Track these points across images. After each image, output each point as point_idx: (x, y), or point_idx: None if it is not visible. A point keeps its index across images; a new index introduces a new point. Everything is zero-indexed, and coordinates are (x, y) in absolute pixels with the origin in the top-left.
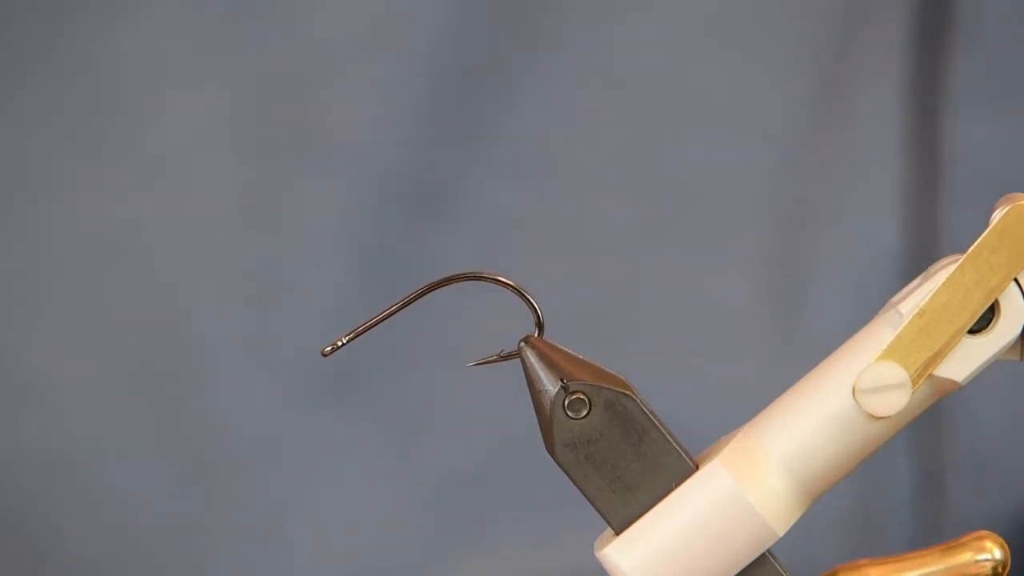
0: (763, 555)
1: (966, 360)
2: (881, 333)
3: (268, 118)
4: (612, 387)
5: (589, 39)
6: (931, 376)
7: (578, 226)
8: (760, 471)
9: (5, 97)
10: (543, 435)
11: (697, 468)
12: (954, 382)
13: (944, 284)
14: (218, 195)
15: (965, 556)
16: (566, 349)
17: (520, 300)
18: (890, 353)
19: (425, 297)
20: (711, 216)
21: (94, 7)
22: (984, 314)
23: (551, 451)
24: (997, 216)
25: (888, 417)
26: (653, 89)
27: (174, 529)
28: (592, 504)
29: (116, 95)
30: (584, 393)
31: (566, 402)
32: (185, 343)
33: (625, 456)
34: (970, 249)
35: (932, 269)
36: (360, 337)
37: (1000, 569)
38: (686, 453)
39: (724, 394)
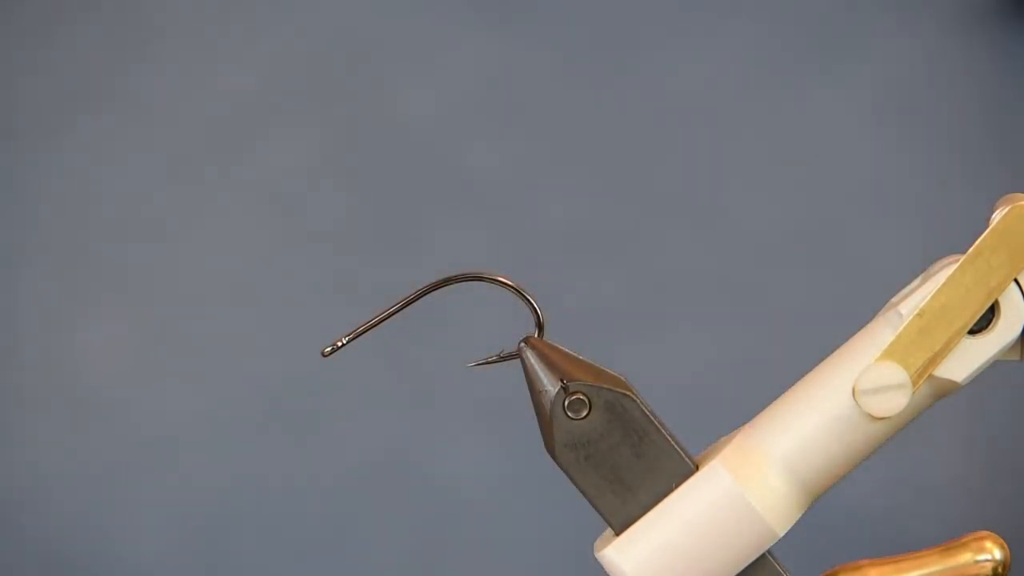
0: (763, 555)
1: (966, 360)
2: (881, 333)
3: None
4: (612, 387)
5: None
6: (931, 376)
7: (578, 226)
8: (760, 471)
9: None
10: (543, 436)
11: (697, 468)
12: (954, 382)
13: (944, 284)
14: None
15: (965, 556)
16: (566, 349)
17: (520, 300)
18: (890, 353)
19: (425, 297)
20: (710, 216)
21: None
22: (984, 314)
23: (551, 452)
24: (997, 216)
25: (888, 418)
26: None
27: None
28: (592, 505)
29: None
30: (584, 394)
31: (566, 403)
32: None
33: (625, 456)
34: (970, 249)
35: (932, 269)
36: (360, 337)
37: (1000, 569)
38: (686, 453)
39: (724, 394)
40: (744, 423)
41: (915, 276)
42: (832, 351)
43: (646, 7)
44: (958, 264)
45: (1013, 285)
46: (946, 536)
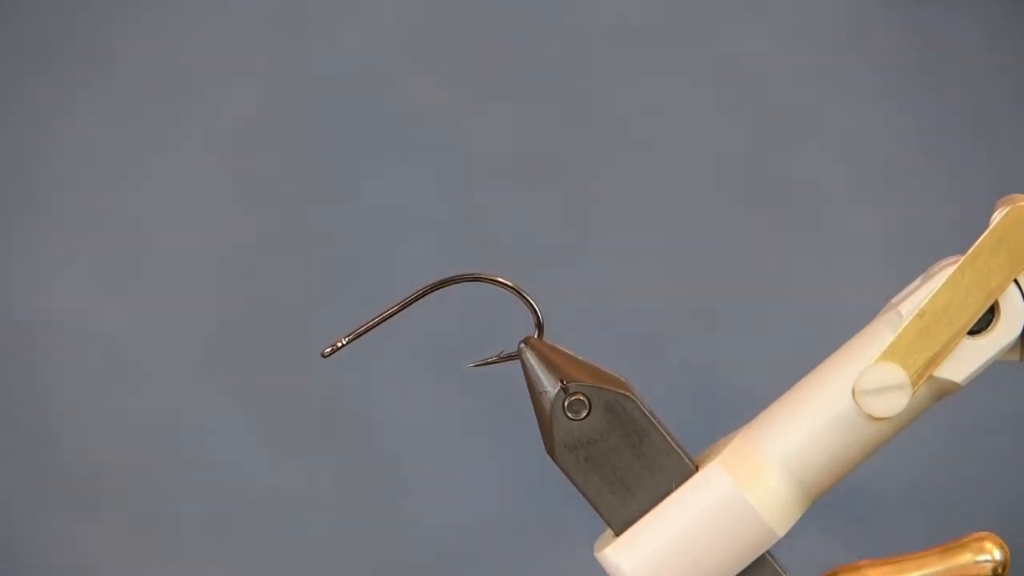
0: (763, 556)
1: (966, 361)
2: (881, 334)
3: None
4: (612, 388)
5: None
6: (931, 377)
7: (579, 226)
8: (760, 472)
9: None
10: (543, 436)
11: (697, 469)
12: (954, 383)
13: (944, 285)
14: None
15: (965, 557)
16: (566, 350)
17: (520, 301)
18: (890, 354)
19: (425, 298)
20: (709, 216)
21: None
22: (984, 315)
23: (551, 452)
24: (997, 217)
25: (888, 418)
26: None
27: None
28: (592, 505)
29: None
30: (584, 394)
31: (566, 403)
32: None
33: (625, 457)
34: (970, 250)
35: (932, 270)
36: (360, 338)
37: (1000, 570)
38: (686, 454)
39: (724, 394)
40: (743, 424)
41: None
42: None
43: None
44: (958, 264)
45: (1013, 286)
46: (945, 537)
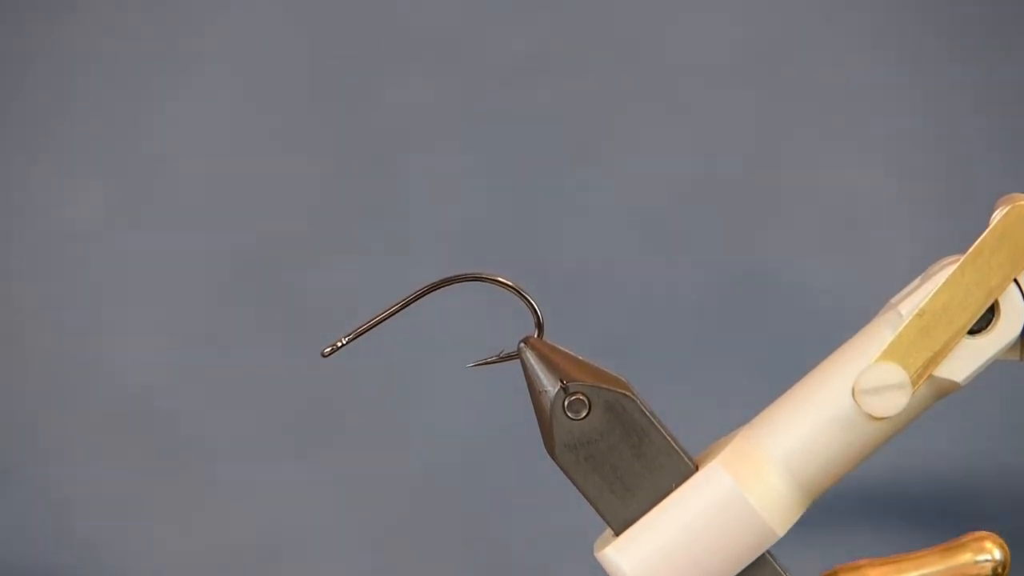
0: (763, 555)
1: (966, 360)
2: (881, 334)
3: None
4: (612, 388)
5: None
6: (931, 376)
7: (579, 227)
8: (760, 472)
9: None
10: (543, 436)
11: (697, 469)
12: (954, 382)
13: (944, 285)
14: None
15: (965, 556)
16: (566, 350)
17: (520, 301)
18: (890, 354)
19: (425, 297)
20: (708, 216)
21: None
22: (984, 314)
23: (551, 452)
24: (997, 216)
25: (888, 418)
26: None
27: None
28: (592, 505)
29: None
30: (584, 394)
31: (566, 403)
32: None
33: (625, 457)
34: (970, 249)
35: (932, 269)
36: (360, 338)
37: (1000, 570)
38: (686, 454)
39: (724, 394)
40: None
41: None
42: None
43: None
44: (958, 264)
45: (1013, 285)
46: (945, 537)
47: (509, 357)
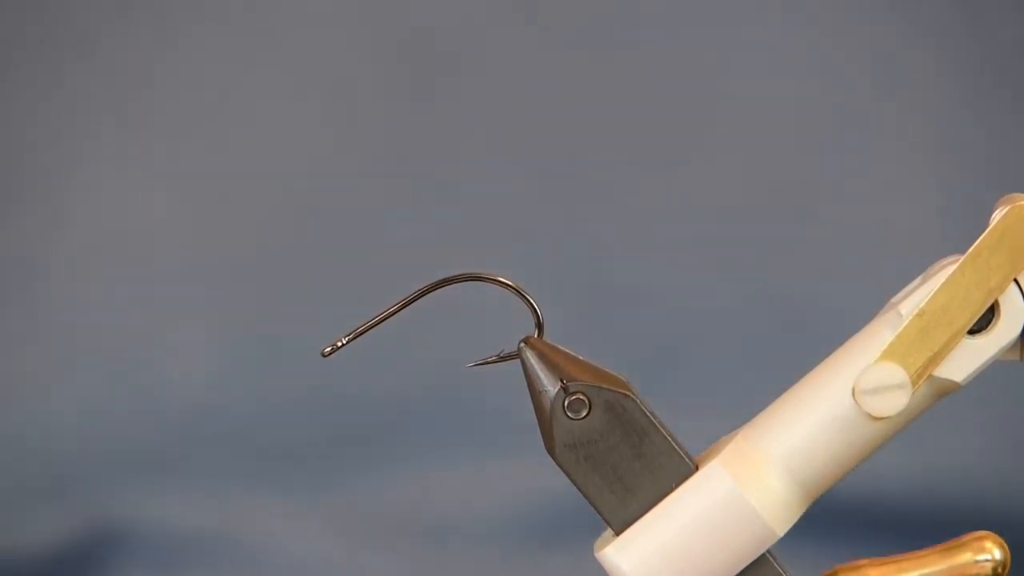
0: (763, 555)
1: (966, 360)
2: (881, 334)
3: None
4: (612, 388)
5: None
6: (931, 376)
7: (579, 227)
8: (760, 472)
9: None
10: (543, 436)
11: (697, 469)
12: (954, 382)
13: (944, 285)
14: None
15: (965, 556)
16: (566, 350)
17: (520, 300)
18: (890, 354)
19: (425, 297)
20: (708, 216)
21: None
22: (984, 315)
23: (551, 452)
24: (997, 217)
25: (888, 417)
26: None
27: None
28: (592, 505)
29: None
30: (584, 394)
31: (566, 403)
32: None
33: (625, 457)
34: (970, 250)
35: (932, 270)
36: (360, 338)
37: (1000, 569)
38: (686, 454)
39: (724, 394)
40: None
41: (917, 275)
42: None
43: None
44: (958, 264)
45: (1013, 285)
46: (945, 537)
47: (509, 357)
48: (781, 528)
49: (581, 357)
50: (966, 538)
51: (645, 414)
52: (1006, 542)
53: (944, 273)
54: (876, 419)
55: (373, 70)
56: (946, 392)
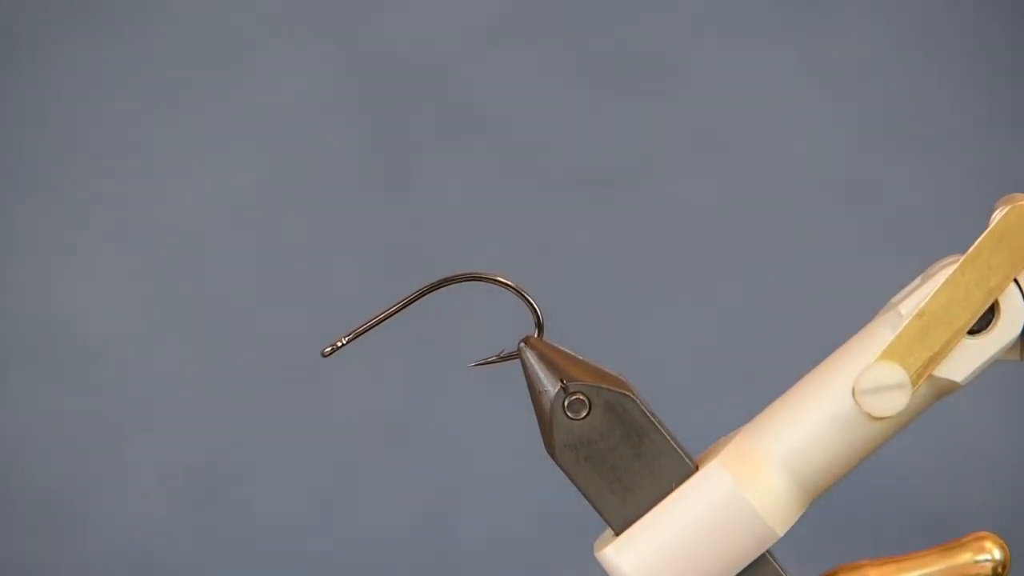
0: (763, 555)
1: (966, 360)
2: (881, 333)
3: None
4: (612, 388)
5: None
6: (931, 376)
7: (578, 226)
8: (760, 472)
9: None
10: (543, 436)
11: (697, 469)
12: (954, 382)
13: (944, 284)
14: None
15: (965, 556)
16: (566, 350)
17: (520, 300)
18: (890, 354)
19: (424, 297)
20: (708, 216)
21: None
22: (984, 314)
23: (551, 452)
24: (997, 216)
25: (888, 418)
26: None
27: None
28: (592, 505)
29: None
30: (584, 394)
31: (566, 403)
32: None
33: (625, 457)
34: (970, 249)
35: (932, 269)
36: (360, 337)
37: (1000, 569)
38: (686, 454)
39: (724, 394)
40: (743, 424)
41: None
42: (829, 353)
43: None
44: (958, 264)
45: (1013, 285)
46: (945, 537)
47: (509, 357)
48: (781, 528)
49: (581, 357)
50: (966, 538)
51: (645, 414)
52: (1006, 542)
53: (944, 273)
54: (876, 419)
55: (374, 73)
56: (946, 392)
